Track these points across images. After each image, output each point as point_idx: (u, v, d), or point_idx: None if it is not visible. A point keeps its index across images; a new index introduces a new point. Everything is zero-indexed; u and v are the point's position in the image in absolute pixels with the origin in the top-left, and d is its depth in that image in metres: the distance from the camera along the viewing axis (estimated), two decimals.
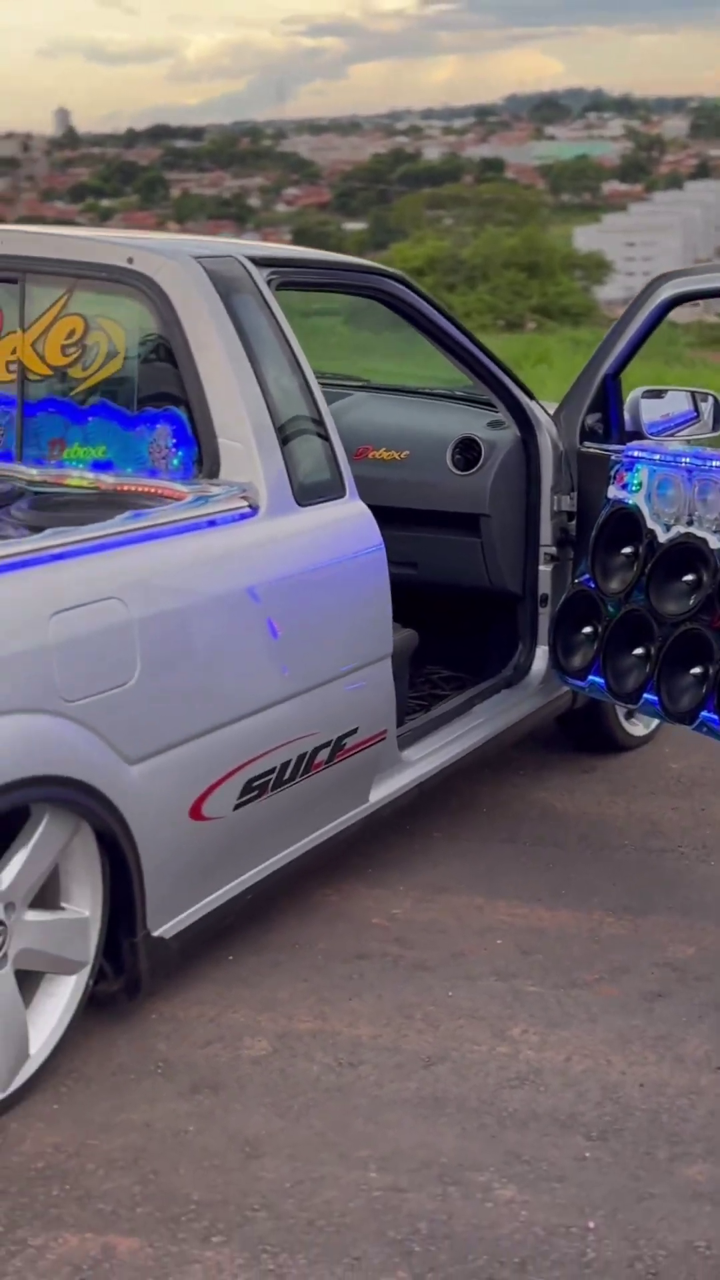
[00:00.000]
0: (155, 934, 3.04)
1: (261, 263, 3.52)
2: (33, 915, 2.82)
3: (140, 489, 3.30)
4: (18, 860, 2.76)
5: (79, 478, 3.41)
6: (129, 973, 3.02)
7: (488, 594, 4.40)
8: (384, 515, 3.63)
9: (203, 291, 3.31)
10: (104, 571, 2.88)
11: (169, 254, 3.35)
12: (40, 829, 2.78)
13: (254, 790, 3.23)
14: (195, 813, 3.08)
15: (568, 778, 4.58)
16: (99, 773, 2.82)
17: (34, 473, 3.46)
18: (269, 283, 3.50)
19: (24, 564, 2.77)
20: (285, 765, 3.31)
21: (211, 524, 3.16)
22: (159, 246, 3.41)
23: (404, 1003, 3.23)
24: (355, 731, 3.54)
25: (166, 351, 3.34)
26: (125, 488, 3.32)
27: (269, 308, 3.45)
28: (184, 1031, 3.08)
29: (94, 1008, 3.02)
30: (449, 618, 4.52)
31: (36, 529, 2.97)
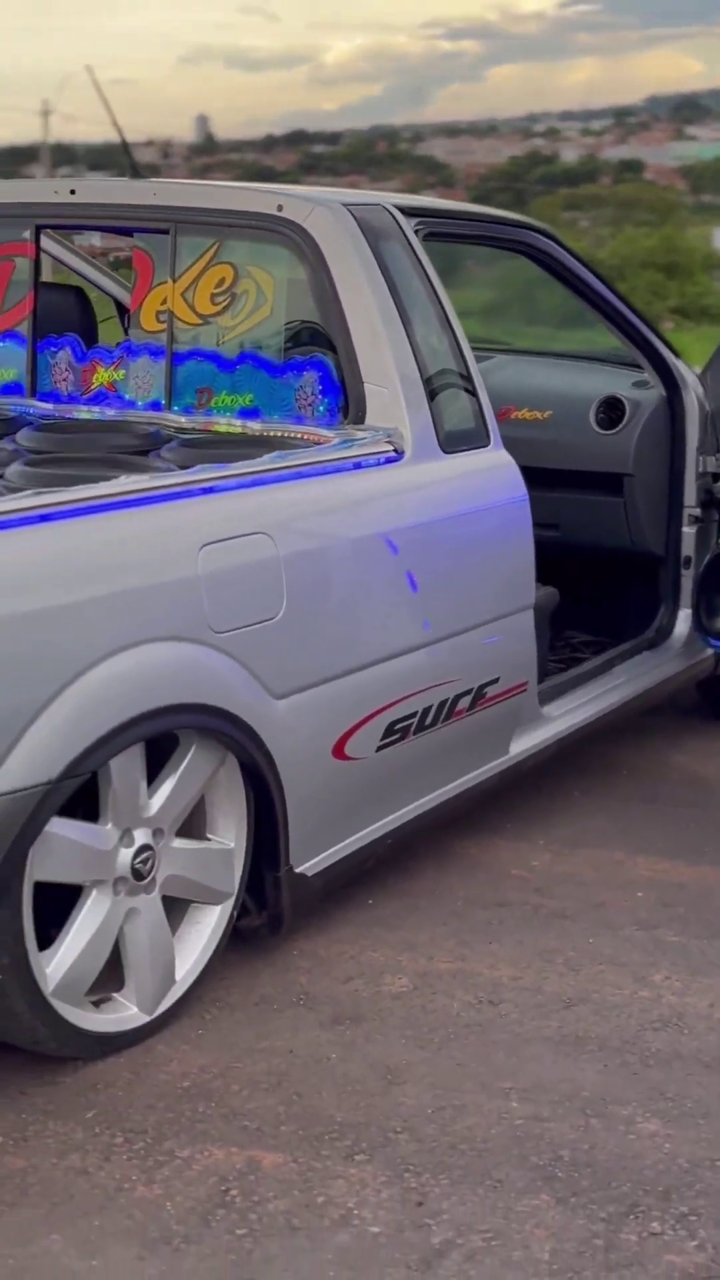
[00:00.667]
0: (298, 870, 3.07)
1: (410, 212, 3.53)
2: (180, 843, 2.87)
3: (286, 435, 3.34)
4: (166, 787, 2.81)
5: (226, 425, 3.46)
6: (271, 907, 3.05)
7: (630, 555, 4.37)
8: (526, 476, 3.62)
9: (351, 238, 3.34)
10: (252, 507, 2.92)
11: (318, 201, 3.38)
12: (188, 758, 2.82)
13: (396, 733, 3.25)
14: (338, 751, 3.11)
15: (708, 743, 4.53)
16: (245, 704, 2.86)
17: (182, 420, 3.51)
18: (417, 232, 3.51)
19: (174, 496, 2.81)
20: (427, 710, 3.32)
21: (357, 466, 3.18)
22: (308, 194, 3.44)
23: (544, 948, 3.22)
24: (496, 681, 3.54)
25: (314, 298, 3.37)
26: (272, 434, 3.36)
27: (416, 256, 3.46)
28: (325, 967, 3.11)
29: (237, 942, 3.06)
30: (590, 581, 4.49)
31: (185, 468, 3.02)
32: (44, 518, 2.59)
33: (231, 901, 2.97)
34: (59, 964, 2.65)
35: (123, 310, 4.36)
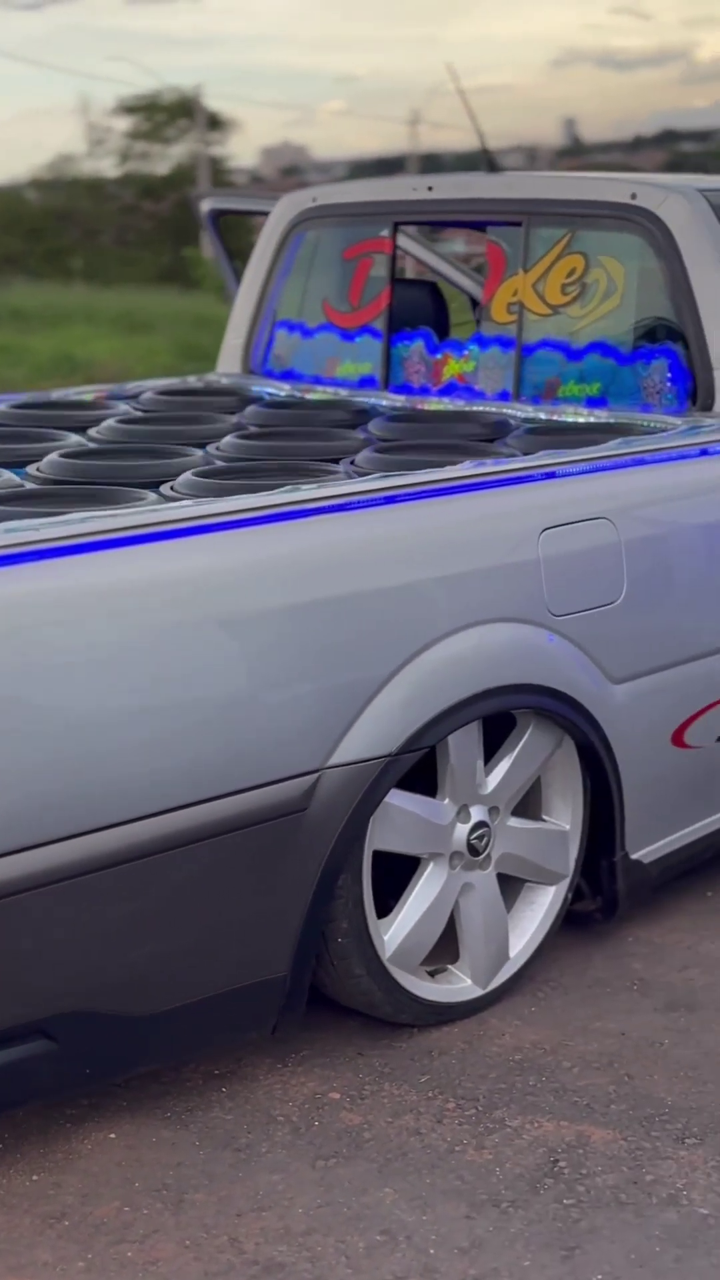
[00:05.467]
0: (633, 857, 3.07)
1: None
2: (515, 822, 2.91)
3: (632, 422, 3.34)
4: (502, 766, 2.85)
5: (573, 414, 3.49)
6: (606, 892, 3.06)
7: None
8: None
9: (706, 224, 3.32)
10: (594, 492, 2.94)
11: (672, 188, 3.37)
12: (525, 738, 2.87)
13: None
14: (677, 739, 3.09)
15: None
16: (583, 687, 2.88)
17: (530, 409, 3.56)
18: None
19: (516, 480, 2.87)
20: None
21: (704, 453, 3.16)
22: (662, 182, 3.44)
23: None
24: None
25: (665, 286, 3.37)
26: (618, 422, 3.37)
27: None
28: (660, 955, 3.10)
29: (570, 925, 3.09)
30: None
31: (530, 454, 3.06)
32: (390, 499, 2.68)
33: (566, 883, 3.00)
34: (396, 932, 2.74)
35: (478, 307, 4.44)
